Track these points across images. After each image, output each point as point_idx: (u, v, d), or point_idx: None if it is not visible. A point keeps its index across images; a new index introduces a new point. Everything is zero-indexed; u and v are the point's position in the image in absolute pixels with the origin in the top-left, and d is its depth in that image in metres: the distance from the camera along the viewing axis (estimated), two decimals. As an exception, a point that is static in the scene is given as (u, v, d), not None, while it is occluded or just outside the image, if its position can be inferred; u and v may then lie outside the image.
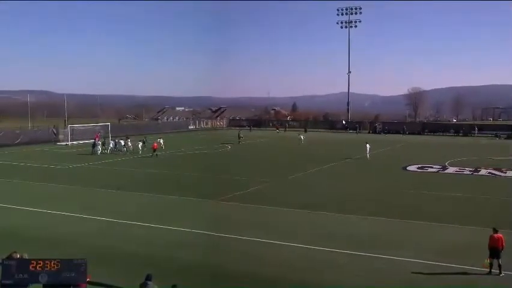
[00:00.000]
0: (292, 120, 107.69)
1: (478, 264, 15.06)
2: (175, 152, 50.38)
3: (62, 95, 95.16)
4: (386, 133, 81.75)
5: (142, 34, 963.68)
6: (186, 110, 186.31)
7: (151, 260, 15.76)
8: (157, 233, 19.45)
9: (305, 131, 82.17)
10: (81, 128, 64.58)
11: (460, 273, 14.96)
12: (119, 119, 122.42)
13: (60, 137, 61.96)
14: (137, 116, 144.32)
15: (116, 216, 21.86)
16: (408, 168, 38.33)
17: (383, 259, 16.17)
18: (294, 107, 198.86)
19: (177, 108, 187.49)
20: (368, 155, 43.93)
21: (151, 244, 17.91)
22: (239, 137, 62.10)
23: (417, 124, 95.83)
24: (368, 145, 44.55)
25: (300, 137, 59.46)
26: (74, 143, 58.28)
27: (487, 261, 14.77)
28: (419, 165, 39.28)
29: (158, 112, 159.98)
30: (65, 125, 66.92)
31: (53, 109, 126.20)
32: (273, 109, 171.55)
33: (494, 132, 77.25)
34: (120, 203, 25.42)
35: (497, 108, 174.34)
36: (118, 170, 37.36)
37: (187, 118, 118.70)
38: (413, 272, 14.95)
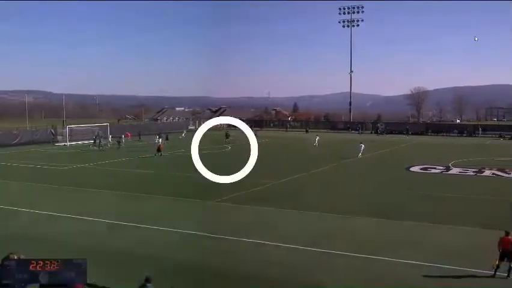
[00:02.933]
0: (293, 121, 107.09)
1: (482, 266, 14.51)
2: (173, 152, 49.82)
3: (61, 95, 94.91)
4: (388, 133, 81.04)
5: (142, 34, 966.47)
6: (186, 110, 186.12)
7: (149, 261, 15.43)
8: (155, 234, 19.08)
9: (306, 131, 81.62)
10: (79, 128, 64.11)
11: (463, 276, 14.36)
12: (118, 119, 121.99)
13: (59, 137, 61.44)
14: (136, 116, 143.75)
15: (115, 217, 21.44)
16: (412, 168, 37.69)
17: (383, 260, 15.75)
18: (295, 107, 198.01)
19: (177, 109, 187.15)
20: (360, 155, 43.99)
21: (150, 245, 17.59)
22: (226, 137, 61.38)
23: (420, 124, 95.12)
24: (362, 145, 44.80)
25: (316, 139, 56.51)
26: (72, 143, 57.77)
27: (496, 262, 14.20)
28: (423, 166, 38.60)
29: (158, 112, 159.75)
30: (63, 126, 66.28)
31: (51, 109, 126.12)
32: (273, 109, 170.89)
33: (498, 132, 76.53)
34: (119, 203, 25.02)
35: (501, 108, 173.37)
36: (118, 171, 36.88)
37: (187, 118, 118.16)
38: (418, 275, 14.39)
